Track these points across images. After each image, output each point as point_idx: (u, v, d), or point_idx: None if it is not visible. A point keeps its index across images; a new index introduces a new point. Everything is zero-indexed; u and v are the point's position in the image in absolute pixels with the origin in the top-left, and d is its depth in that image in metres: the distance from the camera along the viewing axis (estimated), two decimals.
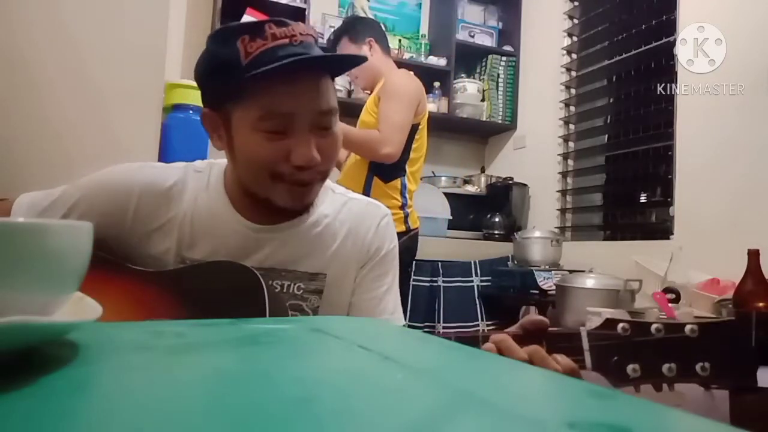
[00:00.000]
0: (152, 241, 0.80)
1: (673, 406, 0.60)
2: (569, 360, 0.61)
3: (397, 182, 1.92)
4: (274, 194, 0.78)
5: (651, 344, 0.61)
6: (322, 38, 2.90)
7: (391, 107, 1.87)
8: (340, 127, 2.02)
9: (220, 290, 0.73)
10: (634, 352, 0.61)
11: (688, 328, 0.61)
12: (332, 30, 2.31)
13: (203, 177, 0.84)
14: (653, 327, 0.61)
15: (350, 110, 2.39)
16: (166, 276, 0.77)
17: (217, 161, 0.88)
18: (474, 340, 0.64)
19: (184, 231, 0.80)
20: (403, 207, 1.92)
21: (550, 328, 0.64)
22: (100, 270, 0.71)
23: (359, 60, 0.85)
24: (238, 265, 0.74)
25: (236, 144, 0.77)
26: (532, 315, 0.66)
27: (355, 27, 2.09)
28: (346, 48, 2.04)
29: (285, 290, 0.81)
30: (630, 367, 0.60)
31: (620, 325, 0.62)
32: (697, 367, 0.60)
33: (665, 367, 0.60)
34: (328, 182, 0.90)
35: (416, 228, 1.96)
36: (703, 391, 0.61)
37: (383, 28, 2.17)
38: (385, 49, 2.10)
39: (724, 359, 0.60)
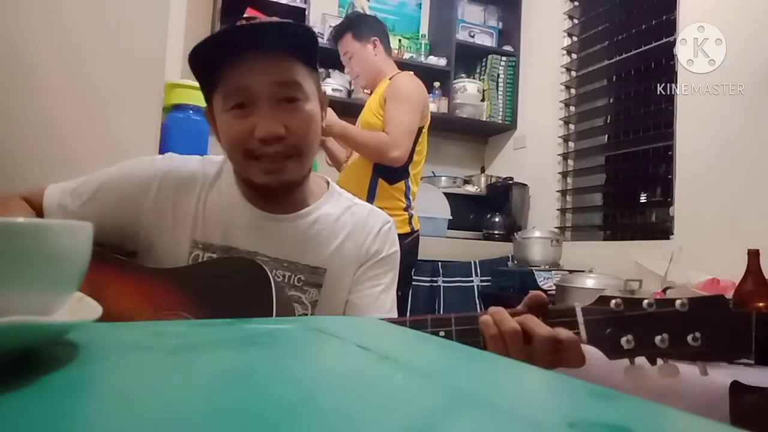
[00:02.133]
0: (169, 226, 0.85)
1: (668, 378, 0.61)
2: (565, 330, 0.63)
3: (402, 184, 1.92)
4: (251, 172, 0.81)
5: (643, 318, 0.63)
6: (322, 38, 2.90)
7: (399, 110, 1.87)
8: (344, 125, 2.01)
9: (230, 286, 0.76)
10: (627, 324, 0.63)
11: (678, 302, 0.63)
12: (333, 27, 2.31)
13: (218, 167, 0.90)
14: (645, 302, 0.64)
15: (350, 110, 2.38)
16: (178, 273, 0.80)
17: None
18: (473, 320, 0.67)
19: (198, 217, 0.85)
20: (407, 209, 1.93)
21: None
22: (113, 269, 0.75)
23: (303, 28, 0.85)
24: (247, 260, 0.79)
25: (218, 130, 0.83)
26: (532, 292, 0.69)
27: (360, 24, 2.08)
28: (349, 44, 2.04)
29: (286, 281, 0.85)
30: (624, 339, 0.62)
31: (613, 301, 0.65)
32: (689, 337, 0.62)
33: (658, 339, 0.62)
34: (335, 186, 0.95)
35: (418, 230, 1.97)
36: (698, 372, 0.62)
37: (387, 29, 2.16)
38: (388, 49, 2.10)
39: (715, 330, 0.62)
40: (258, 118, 0.77)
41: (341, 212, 0.91)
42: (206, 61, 0.78)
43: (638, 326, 0.63)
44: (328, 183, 0.95)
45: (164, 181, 0.85)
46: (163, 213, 0.85)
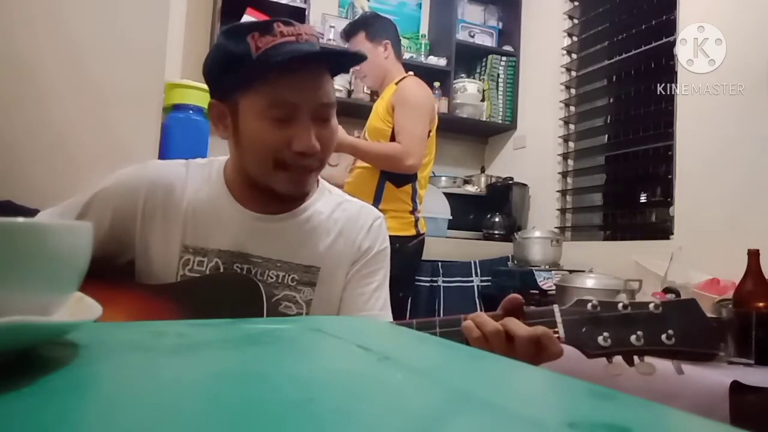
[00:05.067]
0: (159, 233, 0.85)
1: (646, 376, 0.64)
2: (544, 327, 0.66)
3: (409, 188, 1.92)
4: (275, 181, 0.82)
5: (619, 318, 0.67)
6: (323, 38, 2.90)
7: (410, 118, 1.88)
8: (352, 140, 2.04)
9: (221, 301, 0.78)
10: (603, 324, 0.67)
11: (651, 305, 0.66)
12: (341, 26, 2.28)
13: (204, 170, 0.89)
14: (620, 304, 0.67)
15: (350, 111, 2.38)
16: (171, 289, 0.81)
17: (217, 158, 0.92)
18: (455, 322, 0.70)
19: (188, 220, 0.85)
20: (413, 212, 1.92)
21: (526, 307, 0.71)
22: (107, 286, 0.76)
23: (361, 58, 0.89)
24: (240, 275, 0.81)
25: (242, 131, 0.81)
26: (509, 296, 0.72)
27: (374, 25, 2.06)
28: (361, 43, 2.03)
29: (280, 281, 0.85)
30: (600, 337, 0.65)
31: (590, 303, 0.68)
32: (663, 336, 0.65)
33: (633, 337, 0.65)
34: (325, 184, 0.95)
35: (424, 233, 1.96)
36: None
37: (398, 32, 2.15)
38: (398, 53, 2.10)
39: (688, 329, 0.65)
40: (297, 132, 0.79)
41: (333, 209, 0.91)
42: (254, 65, 0.77)
43: (614, 325, 0.66)
44: (317, 181, 0.95)
45: (150, 189, 0.85)
46: (153, 221, 0.85)
